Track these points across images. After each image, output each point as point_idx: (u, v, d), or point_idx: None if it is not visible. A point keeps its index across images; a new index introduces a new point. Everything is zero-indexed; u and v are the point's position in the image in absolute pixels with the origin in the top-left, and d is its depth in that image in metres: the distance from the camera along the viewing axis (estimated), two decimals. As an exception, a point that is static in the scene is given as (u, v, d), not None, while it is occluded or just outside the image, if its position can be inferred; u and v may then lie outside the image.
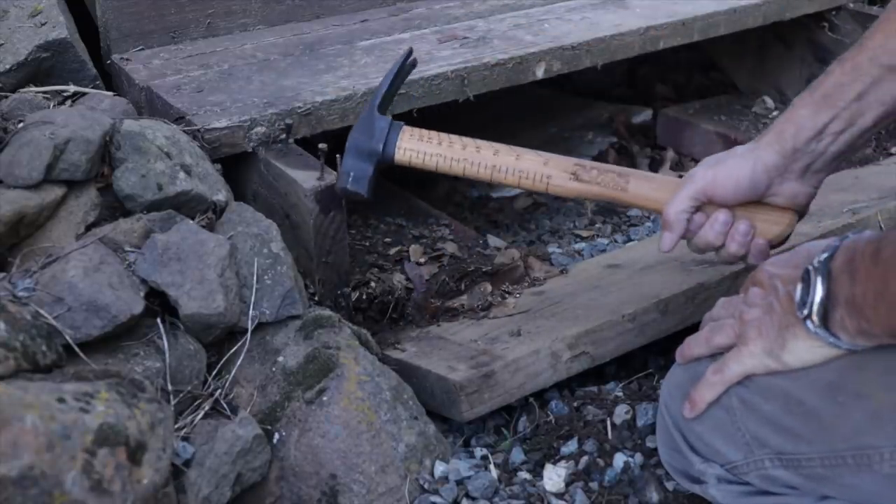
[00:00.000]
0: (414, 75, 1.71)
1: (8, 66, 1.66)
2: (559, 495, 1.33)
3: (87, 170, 1.39)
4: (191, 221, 1.40)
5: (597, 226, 2.13)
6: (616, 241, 2.04)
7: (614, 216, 2.17)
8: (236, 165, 1.59)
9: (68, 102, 1.66)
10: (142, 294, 1.28)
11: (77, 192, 1.40)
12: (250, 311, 1.36)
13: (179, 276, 1.30)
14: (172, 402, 1.26)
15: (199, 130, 1.54)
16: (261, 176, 1.57)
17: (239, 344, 1.36)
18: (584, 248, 2.00)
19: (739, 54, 2.55)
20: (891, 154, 2.22)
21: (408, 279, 1.66)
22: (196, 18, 1.93)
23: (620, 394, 1.49)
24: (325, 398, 1.32)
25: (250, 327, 1.36)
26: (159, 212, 1.40)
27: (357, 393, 1.33)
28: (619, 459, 1.36)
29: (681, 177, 1.41)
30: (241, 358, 1.36)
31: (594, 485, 1.34)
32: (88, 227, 1.39)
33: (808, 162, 1.24)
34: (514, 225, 2.15)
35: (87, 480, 1.01)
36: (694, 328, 1.25)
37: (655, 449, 1.31)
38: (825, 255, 1.03)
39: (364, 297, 1.61)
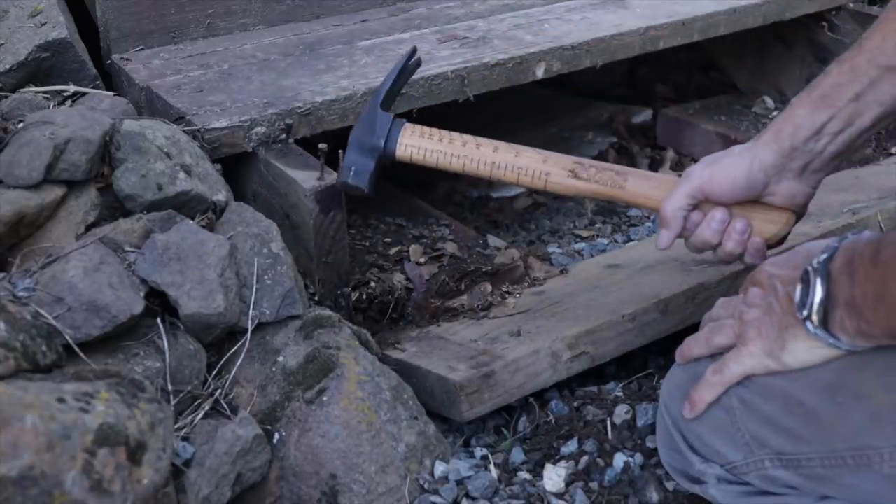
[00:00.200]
0: (414, 75, 1.72)
1: (8, 66, 1.66)
2: (559, 495, 1.33)
3: (87, 170, 1.39)
4: (191, 221, 1.40)
5: (597, 226, 2.13)
6: (616, 241, 2.04)
7: (614, 216, 2.17)
8: (236, 165, 1.59)
9: (68, 102, 1.66)
10: (142, 294, 1.28)
11: (77, 192, 1.40)
12: (250, 311, 1.36)
13: (179, 276, 1.30)
14: (172, 402, 1.26)
15: (199, 130, 1.54)
16: (261, 176, 1.57)
17: (239, 344, 1.36)
18: (584, 248, 2.00)
19: (739, 54, 2.56)
20: (891, 154, 2.22)
21: (408, 279, 1.66)
22: (196, 18, 1.93)
23: (620, 394, 1.49)
24: (325, 398, 1.32)
25: (250, 327, 1.36)
26: (159, 212, 1.40)
27: (357, 393, 1.33)
28: (619, 459, 1.36)
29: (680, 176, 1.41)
30: (241, 358, 1.36)
31: (594, 485, 1.34)
32: (88, 227, 1.39)
33: (805, 161, 1.24)
34: (514, 225, 2.15)
35: (87, 480, 1.01)
36: (694, 328, 1.25)
37: (655, 449, 1.31)
38: (824, 256, 1.03)
39: (364, 297, 1.61)
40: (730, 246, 1.27)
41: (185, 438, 1.24)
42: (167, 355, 1.29)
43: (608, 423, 1.43)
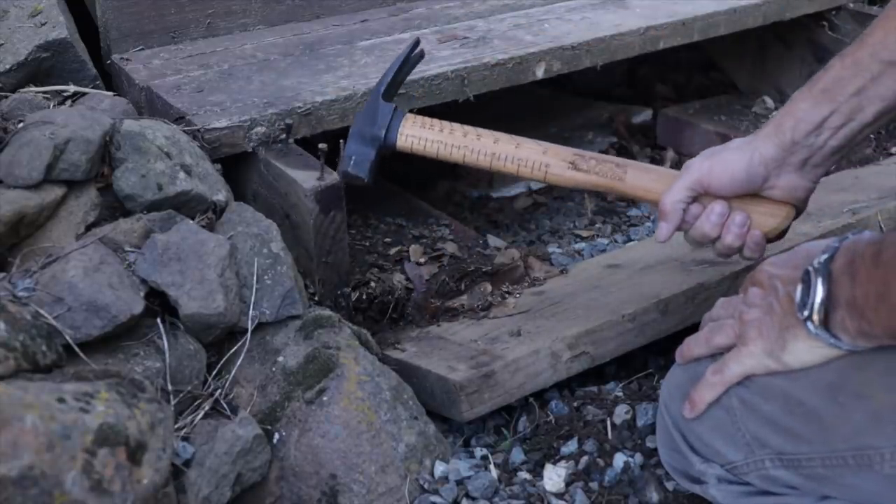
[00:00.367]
0: (414, 75, 1.71)
1: (8, 66, 1.66)
2: (559, 495, 1.33)
3: (87, 170, 1.39)
4: (191, 221, 1.40)
5: (597, 226, 2.13)
6: (616, 241, 2.04)
7: (614, 216, 2.17)
8: (236, 165, 1.59)
9: (68, 102, 1.66)
10: (142, 294, 1.28)
11: (77, 192, 1.40)
12: (250, 311, 1.36)
13: (179, 276, 1.30)
14: (172, 402, 1.26)
15: (199, 130, 1.54)
16: (261, 176, 1.57)
17: (239, 344, 1.36)
18: (584, 248, 2.00)
19: (739, 54, 2.56)
20: (891, 154, 2.22)
21: (408, 279, 1.66)
22: (196, 18, 1.93)
23: (620, 394, 1.49)
24: (325, 398, 1.32)
25: (250, 327, 1.36)
26: (159, 212, 1.40)
27: (357, 393, 1.33)
28: (619, 459, 1.36)
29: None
30: (241, 358, 1.36)
31: (594, 485, 1.34)
32: (88, 227, 1.39)
33: (806, 156, 1.23)
34: (514, 225, 2.15)
35: (87, 480, 1.01)
36: (694, 328, 1.25)
37: (655, 449, 1.31)
38: (825, 257, 1.03)
39: (364, 297, 1.61)
40: (729, 239, 1.27)
41: (185, 438, 1.24)
42: (167, 355, 1.29)
43: (608, 423, 1.43)
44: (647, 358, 1.59)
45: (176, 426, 1.23)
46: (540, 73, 1.88)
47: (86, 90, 1.69)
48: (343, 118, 1.65)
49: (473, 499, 1.32)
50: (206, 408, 1.29)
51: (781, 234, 1.30)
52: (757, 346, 1.10)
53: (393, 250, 1.73)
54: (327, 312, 1.43)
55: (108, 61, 1.84)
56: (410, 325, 1.62)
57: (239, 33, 1.98)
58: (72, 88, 1.69)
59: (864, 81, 1.18)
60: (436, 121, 1.40)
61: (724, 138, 2.30)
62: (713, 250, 1.31)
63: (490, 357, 1.43)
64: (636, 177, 1.33)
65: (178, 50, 1.88)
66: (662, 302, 1.52)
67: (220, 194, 1.47)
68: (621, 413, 1.44)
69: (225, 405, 1.31)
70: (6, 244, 1.35)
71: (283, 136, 1.59)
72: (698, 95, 2.63)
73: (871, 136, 2.28)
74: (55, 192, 1.37)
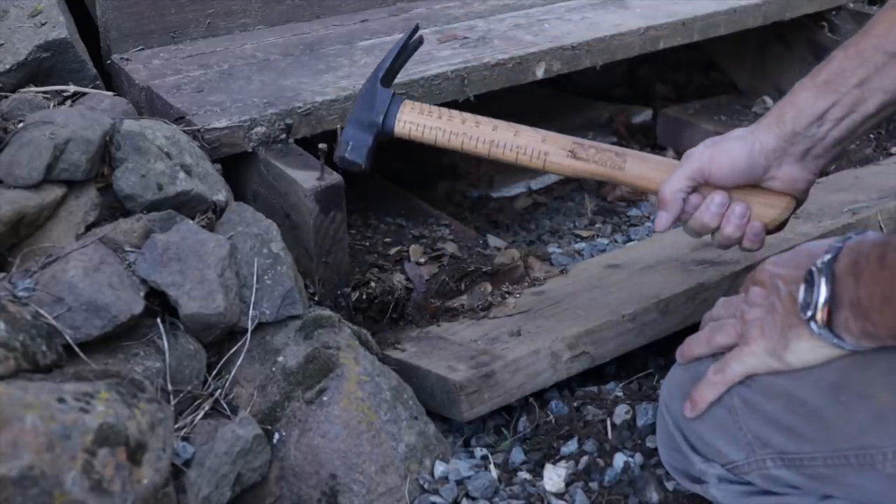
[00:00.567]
0: (414, 75, 1.72)
1: (8, 66, 1.66)
2: (559, 495, 1.33)
3: (87, 170, 1.39)
4: (191, 221, 1.40)
5: (597, 226, 2.13)
6: (616, 241, 2.04)
7: (614, 216, 2.17)
8: (236, 165, 1.59)
9: (68, 102, 1.66)
10: (142, 294, 1.28)
11: (77, 192, 1.40)
12: (250, 311, 1.36)
13: (179, 276, 1.30)
14: (172, 402, 1.26)
15: (199, 130, 1.54)
16: (261, 176, 1.57)
17: (239, 344, 1.36)
18: (584, 248, 2.00)
19: (739, 54, 2.56)
20: (891, 154, 2.22)
21: (408, 279, 1.66)
22: (196, 18, 1.93)
23: (620, 394, 1.49)
24: (325, 398, 1.32)
25: (250, 327, 1.36)
26: (159, 212, 1.40)
27: (357, 393, 1.33)
28: (619, 459, 1.36)
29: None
30: (241, 358, 1.36)
31: (594, 485, 1.34)
32: (88, 227, 1.39)
33: (807, 146, 1.22)
34: (514, 225, 2.15)
35: (87, 480, 1.01)
36: (694, 328, 1.25)
37: (655, 449, 1.31)
38: (828, 257, 1.02)
39: (364, 297, 1.61)
40: (728, 230, 1.25)
41: (185, 438, 1.24)
42: (167, 355, 1.28)
43: (608, 423, 1.43)
44: (647, 358, 1.59)
45: (176, 426, 1.23)
46: (540, 73, 1.88)
47: (86, 90, 1.69)
48: (343, 118, 1.65)
49: (473, 499, 1.32)
50: (206, 408, 1.29)
51: (781, 226, 1.28)
52: (759, 345, 1.10)
53: (393, 250, 1.73)
54: (327, 312, 1.43)
55: (108, 61, 1.84)
56: (410, 325, 1.62)
57: (239, 33, 1.98)
58: (72, 88, 1.69)
59: (867, 73, 1.17)
60: (434, 107, 1.38)
61: (724, 138, 2.31)
62: (712, 241, 1.29)
63: (490, 357, 1.43)
64: (635, 166, 1.32)
65: (178, 50, 1.88)
66: (662, 302, 1.52)
67: (220, 194, 1.47)
68: (621, 413, 1.44)
69: (225, 405, 1.31)
70: (6, 244, 1.35)
71: (283, 136, 1.59)
72: (698, 95, 2.63)
73: (871, 135, 2.28)
74: (55, 192, 1.37)
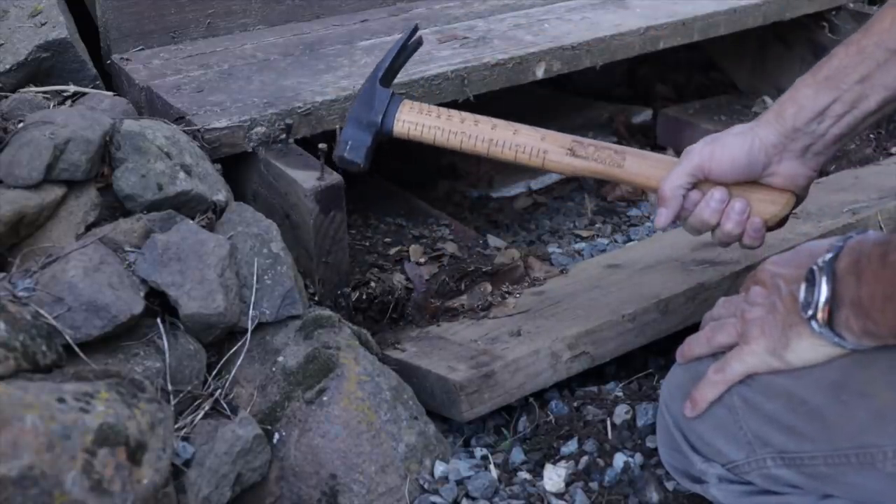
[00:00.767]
0: (414, 75, 1.72)
1: (8, 66, 1.66)
2: (559, 495, 1.33)
3: (87, 170, 1.39)
4: (191, 221, 1.40)
5: (597, 226, 2.13)
6: (616, 241, 2.04)
7: (614, 216, 2.17)
8: (236, 165, 1.59)
9: (68, 102, 1.66)
10: (142, 294, 1.28)
11: (77, 192, 1.40)
12: (250, 311, 1.36)
13: (179, 276, 1.30)
14: (172, 402, 1.26)
15: (199, 130, 1.54)
16: (261, 176, 1.57)
17: (239, 344, 1.36)
18: (584, 248, 2.00)
19: (739, 54, 2.56)
20: (891, 154, 2.22)
21: (408, 279, 1.66)
22: (196, 18, 1.93)
23: (620, 394, 1.49)
24: (325, 398, 1.32)
25: (250, 327, 1.36)
26: (159, 212, 1.40)
27: (357, 393, 1.33)
28: (619, 459, 1.36)
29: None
30: (241, 358, 1.36)
31: (594, 485, 1.34)
32: (88, 227, 1.39)
33: (807, 143, 1.21)
34: (514, 225, 2.15)
35: (87, 480, 1.01)
36: (694, 328, 1.25)
37: (655, 449, 1.31)
38: (829, 256, 1.02)
39: (364, 297, 1.61)
40: (728, 226, 1.25)
41: (185, 438, 1.24)
42: (167, 355, 1.28)
43: (608, 423, 1.43)
44: (647, 358, 1.59)
45: (176, 426, 1.23)
46: (540, 73, 1.88)
47: (86, 90, 1.69)
48: (343, 118, 1.64)
49: (473, 499, 1.32)
50: (206, 408, 1.29)
51: (782, 222, 1.28)
52: (759, 344, 1.10)
53: (393, 250, 1.73)
54: (327, 312, 1.43)
55: (108, 61, 1.84)
56: (410, 325, 1.62)
57: (239, 33, 1.98)
58: (72, 88, 1.69)
59: (869, 69, 1.16)
60: (433, 107, 1.38)
61: (724, 138, 2.31)
62: (712, 238, 1.29)
63: (490, 357, 1.43)
64: (635, 163, 1.31)
65: (178, 50, 1.88)
66: (662, 302, 1.52)
67: (220, 194, 1.47)
68: (621, 413, 1.44)
69: (225, 405, 1.31)
70: (6, 244, 1.35)
71: (283, 136, 1.59)
72: (698, 95, 2.63)
73: (871, 135, 2.28)
74: (55, 192, 1.37)
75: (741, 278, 1.53)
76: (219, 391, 1.33)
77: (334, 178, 1.48)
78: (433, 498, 1.31)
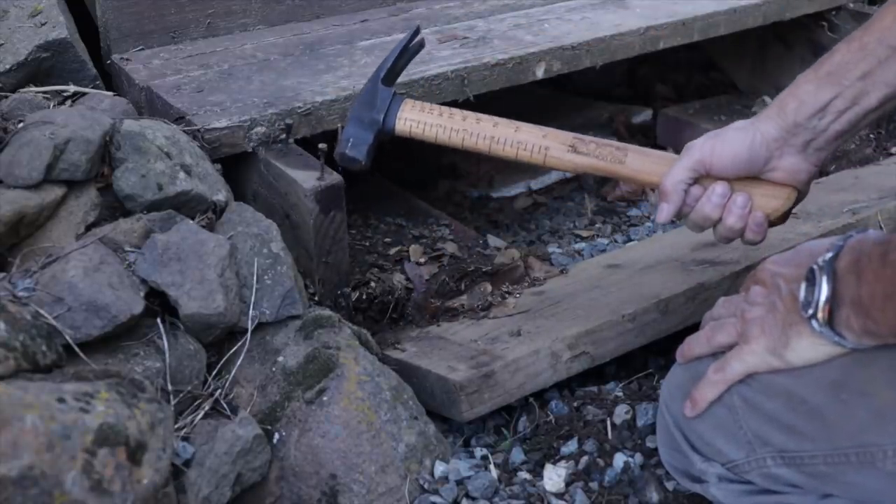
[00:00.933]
0: (414, 75, 1.72)
1: (8, 66, 1.66)
2: (559, 495, 1.33)
3: (87, 170, 1.39)
4: (191, 221, 1.40)
5: (597, 226, 2.13)
6: (616, 241, 2.04)
7: (614, 216, 2.17)
8: (236, 165, 1.59)
9: (68, 102, 1.66)
10: (142, 294, 1.28)
11: (77, 192, 1.40)
12: (250, 311, 1.36)
13: (179, 276, 1.30)
14: (172, 402, 1.26)
15: (199, 130, 1.54)
16: (261, 176, 1.57)
17: (239, 344, 1.36)
18: (584, 248, 2.00)
19: (739, 54, 2.56)
20: (891, 154, 2.22)
21: (408, 279, 1.66)
22: (196, 18, 1.93)
23: (620, 394, 1.49)
24: (325, 398, 1.32)
25: (250, 327, 1.36)
26: (159, 212, 1.40)
27: (357, 393, 1.33)
28: (619, 459, 1.36)
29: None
30: (241, 358, 1.36)
31: (594, 485, 1.34)
32: (88, 227, 1.39)
33: (808, 138, 1.21)
34: (514, 225, 2.15)
35: (87, 480, 1.01)
36: (694, 328, 1.25)
37: (655, 449, 1.31)
38: (830, 255, 1.02)
39: (364, 297, 1.61)
40: (730, 221, 1.24)
41: (185, 438, 1.24)
42: (167, 355, 1.28)
43: (608, 423, 1.43)
44: (647, 358, 1.59)
45: (176, 426, 1.23)
46: (540, 73, 1.88)
47: (86, 90, 1.69)
48: (343, 118, 1.65)
49: (473, 499, 1.32)
50: (206, 408, 1.29)
51: (784, 218, 1.27)
52: (759, 343, 1.10)
53: (393, 250, 1.73)
54: (327, 312, 1.43)
55: (108, 61, 1.84)
56: (410, 325, 1.62)
57: (239, 33, 1.98)
58: (72, 88, 1.69)
59: (871, 66, 1.16)
60: (435, 106, 1.39)
61: (725, 138, 2.31)
62: (714, 235, 1.28)
63: (490, 357, 1.43)
64: (636, 160, 1.31)
65: (178, 50, 1.88)
66: (662, 302, 1.52)
67: (220, 194, 1.47)
68: (621, 413, 1.44)
69: (225, 405, 1.31)
70: (6, 244, 1.35)
71: (283, 136, 1.59)
72: (698, 95, 2.63)
73: (871, 135, 2.28)
74: (55, 192, 1.37)
75: (741, 278, 1.53)
76: (219, 391, 1.33)
77: (334, 178, 1.48)
78: (433, 498, 1.31)
